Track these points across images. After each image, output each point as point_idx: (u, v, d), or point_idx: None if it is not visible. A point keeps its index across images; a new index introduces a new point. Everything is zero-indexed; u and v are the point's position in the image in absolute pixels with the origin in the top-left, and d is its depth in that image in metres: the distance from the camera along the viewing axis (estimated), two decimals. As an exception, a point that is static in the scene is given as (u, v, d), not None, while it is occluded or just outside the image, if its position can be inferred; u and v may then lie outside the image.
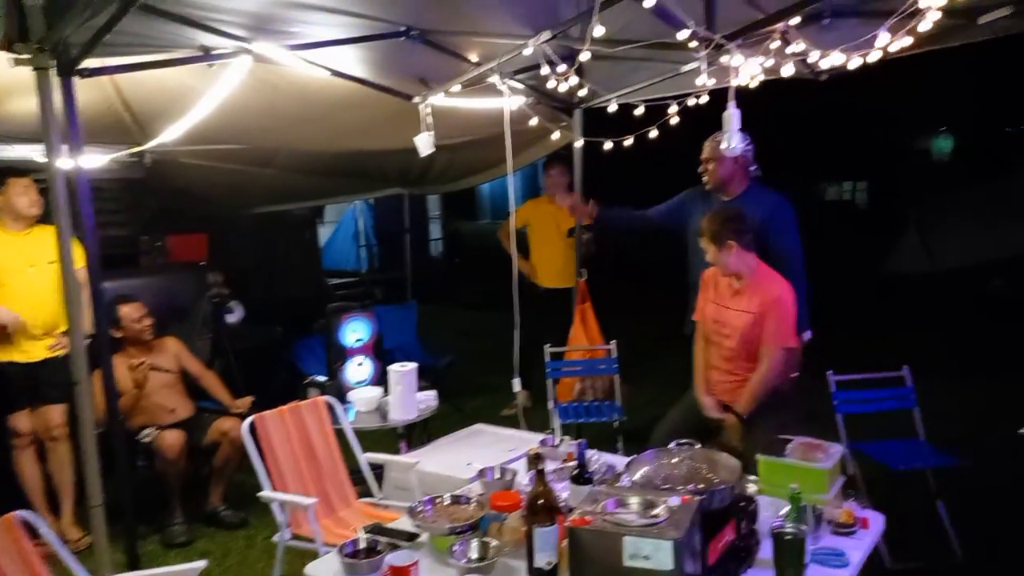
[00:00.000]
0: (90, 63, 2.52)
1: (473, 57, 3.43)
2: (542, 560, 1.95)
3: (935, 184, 13.32)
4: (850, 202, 21.72)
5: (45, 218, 3.61)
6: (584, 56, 2.37)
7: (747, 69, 2.49)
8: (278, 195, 5.90)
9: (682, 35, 2.30)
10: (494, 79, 3.43)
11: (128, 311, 3.77)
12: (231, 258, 5.80)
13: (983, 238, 8.77)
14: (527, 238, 5.24)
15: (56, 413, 3.58)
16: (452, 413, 4.79)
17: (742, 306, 3.01)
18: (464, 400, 5.47)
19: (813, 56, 2.68)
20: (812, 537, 2.02)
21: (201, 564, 2.23)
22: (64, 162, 2.34)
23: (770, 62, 2.70)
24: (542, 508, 1.96)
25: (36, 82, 2.31)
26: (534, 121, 3.81)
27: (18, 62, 2.34)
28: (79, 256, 2.60)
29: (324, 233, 11.15)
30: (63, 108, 2.39)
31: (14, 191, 3.46)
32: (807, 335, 3.28)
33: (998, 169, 11.27)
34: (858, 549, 2.05)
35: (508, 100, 3.56)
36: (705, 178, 3.40)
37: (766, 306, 2.93)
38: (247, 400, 3.96)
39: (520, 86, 3.86)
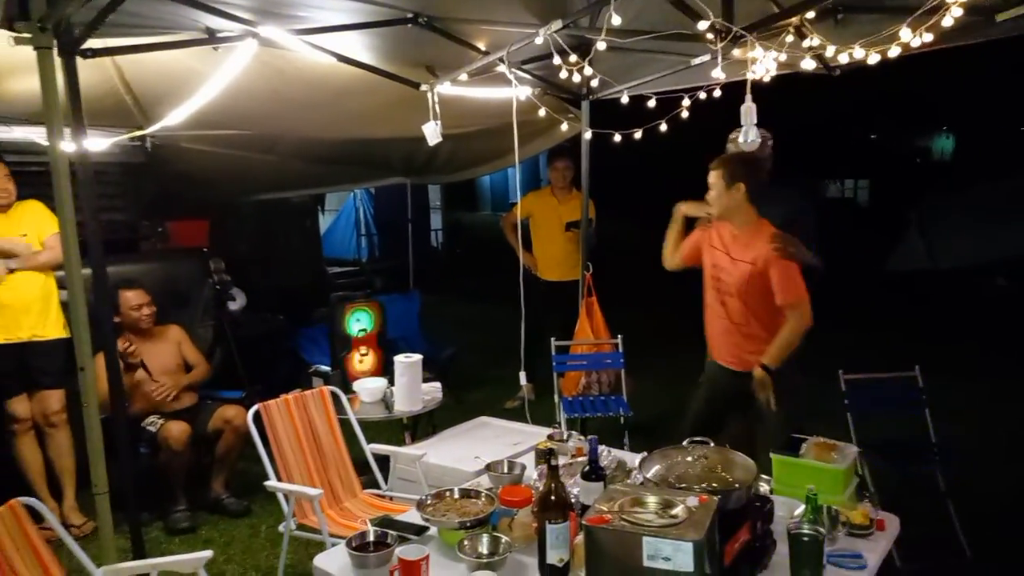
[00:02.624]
0: (93, 43, 2.46)
1: (481, 45, 3.38)
2: (554, 557, 1.92)
3: (938, 183, 13.31)
4: (851, 200, 21.70)
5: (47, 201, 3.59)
6: (601, 45, 2.32)
7: (763, 63, 2.44)
8: (280, 182, 5.85)
9: (702, 26, 2.24)
10: (502, 68, 3.38)
11: (129, 297, 3.73)
12: (232, 245, 5.75)
13: (987, 238, 8.76)
14: (528, 231, 5.21)
15: (54, 400, 3.55)
16: (454, 405, 4.75)
17: (739, 255, 2.95)
18: (466, 392, 5.44)
19: (830, 51, 2.63)
20: (828, 538, 1.99)
21: (207, 554, 2.20)
22: (67, 145, 2.29)
23: (783, 56, 2.66)
24: (554, 504, 1.93)
25: (38, 62, 2.25)
26: (542, 112, 3.76)
27: (18, 41, 2.29)
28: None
29: (324, 222, 11.09)
30: (65, 89, 2.33)
31: None
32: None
33: (1007, 168, 11.25)
34: (874, 551, 2.02)
35: (516, 90, 3.51)
36: None
37: (768, 259, 2.86)
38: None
39: (528, 76, 3.81)
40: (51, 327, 3.56)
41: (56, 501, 3.57)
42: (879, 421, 3.49)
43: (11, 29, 2.22)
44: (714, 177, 2.95)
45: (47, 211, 3.57)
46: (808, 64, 2.46)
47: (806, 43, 2.62)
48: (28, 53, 2.27)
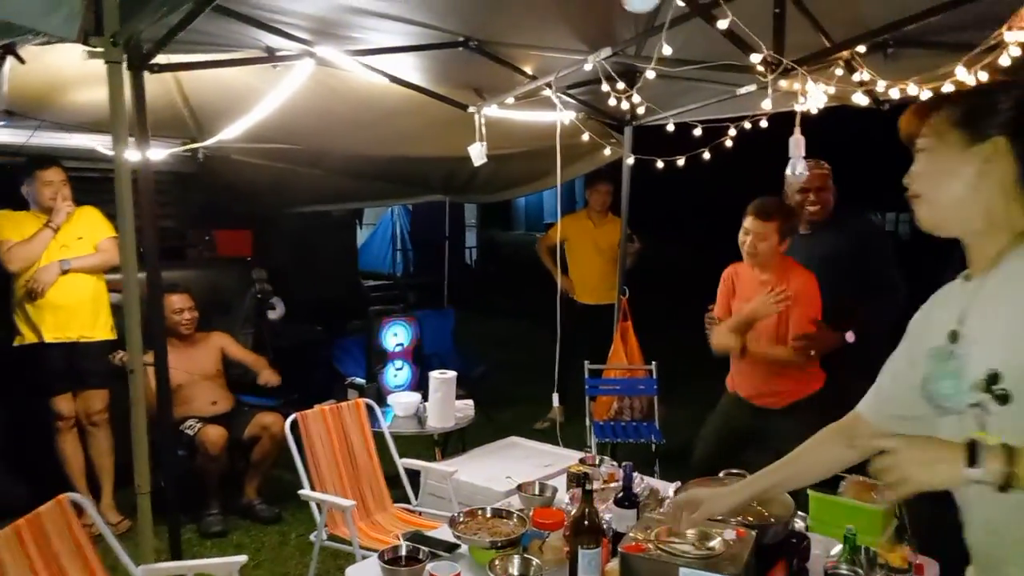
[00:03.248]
0: (160, 59, 2.57)
1: (528, 69, 3.43)
2: (585, 582, 1.92)
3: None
4: (893, 232, 21.32)
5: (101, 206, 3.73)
6: (650, 75, 2.35)
7: (813, 95, 2.45)
8: (322, 196, 5.96)
9: (754, 58, 2.26)
10: (548, 93, 3.43)
11: (173, 301, 3.81)
12: (273, 255, 5.87)
13: None
14: (564, 254, 5.24)
15: (98, 399, 3.66)
16: (484, 423, 4.77)
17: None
18: (496, 410, 5.45)
19: (880, 85, 2.63)
20: (865, 579, 1.95)
21: (242, 559, 2.24)
22: (131, 154, 2.39)
23: (831, 89, 2.66)
24: (587, 529, 1.93)
25: (108, 75, 2.36)
26: (585, 136, 3.80)
27: (91, 55, 2.39)
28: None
29: (361, 236, 11.25)
30: (132, 102, 2.43)
31: (37, 183, 3.57)
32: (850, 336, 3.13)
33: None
34: (912, 595, 1.97)
35: (560, 114, 3.56)
36: (813, 209, 3.23)
37: (796, 295, 2.85)
38: (275, 379, 3.99)
39: (572, 101, 3.85)
40: (100, 329, 3.68)
41: (94, 498, 3.66)
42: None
43: (86, 43, 2.32)
44: (767, 229, 2.86)
45: (101, 216, 3.71)
46: (860, 99, 2.46)
47: (856, 77, 2.62)
48: (96, 66, 2.38)
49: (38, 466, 3.80)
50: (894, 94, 2.51)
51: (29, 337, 3.56)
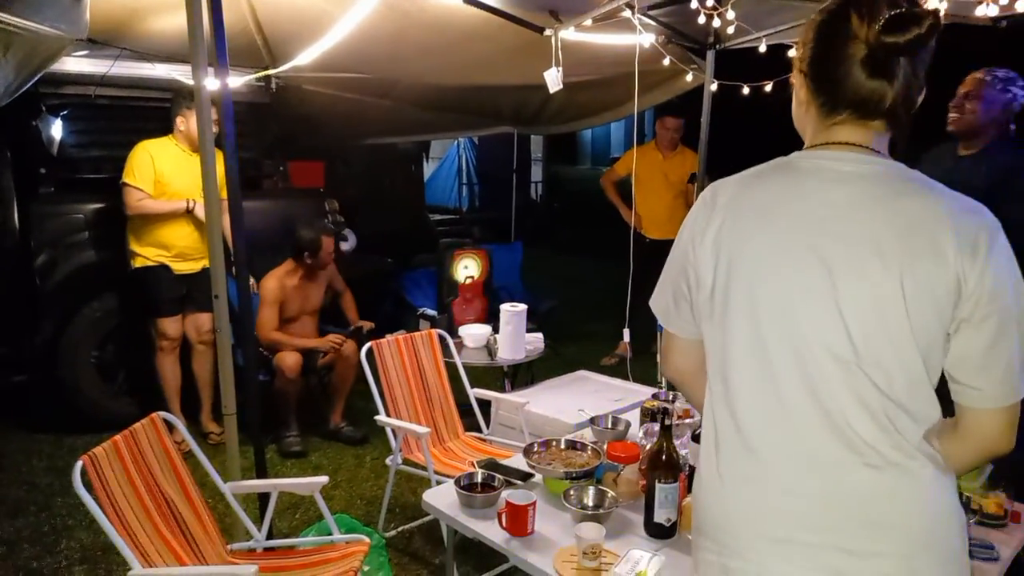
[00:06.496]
0: (236, -18, 2.53)
1: (608, -11, 3.24)
2: (662, 516, 1.91)
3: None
4: None
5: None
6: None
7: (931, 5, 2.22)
8: (392, 127, 5.93)
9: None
10: (627, 13, 3.25)
11: (327, 243, 3.90)
12: (344, 187, 5.91)
13: None
14: (633, 187, 5.10)
15: (206, 319, 3.82)
16: (551, 357, 4.77)
17: None
18: (563, 345, 5.45)
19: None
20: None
21: (323, 479, 2.33)
22: (211, 82, 2.38)
23: (945, 3, 2.42)
24: (664, 464, 1.91)
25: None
26: (666, 61, 3.61)
27: (169, -22, 2.38)
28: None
29: (428, 169, 11.24)
30: (210, 27, 2.41)
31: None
32: None
33: None
34: (1008, 544, 1.89)
35: (640, 37, 3.37)
36: (954, 115, 2.88)
37: None
38: (368, 323, 4.11)
39: (653, 23, 3.65)
40: None
41: (186, 415, 3.84)
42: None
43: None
44: None
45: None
46: (986, 10, 2.21)
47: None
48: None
49: (136, 385, 4.03)
50: (1021, 7, 2.25)
51: (148, 260, 3.69)
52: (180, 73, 3.87)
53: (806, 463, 1.11)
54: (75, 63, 3.88)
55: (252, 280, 3.76)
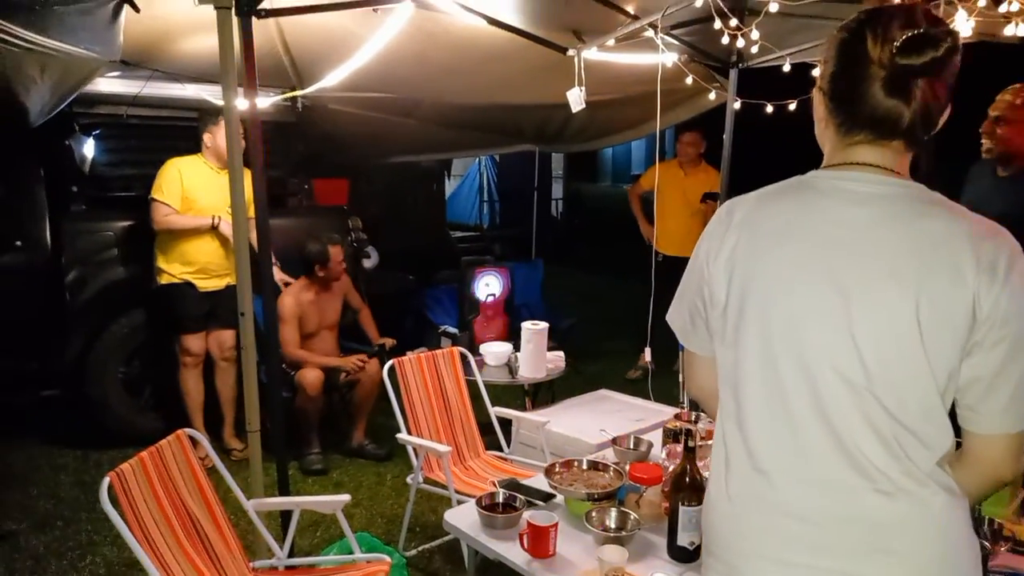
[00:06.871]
0: (267, 4, 2.58)
1: (630, 8, 3.26)
2: (685, 539, 1.88)
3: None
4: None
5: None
6: (773, 7, 2.17)
7: (959, 24, 2.21)
8: (415, 146, 5.99)
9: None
10: (649, 33, 3.26)
11: (336, 252, 3.93)
12: (367, 205, 5.97)
13: None
14: (654, 202, 5.17)
15: (229, 336, 3.86)
16: (572, 375, 4.75)
17: None
18: (584, 363, 5.43)
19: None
20: (989, 553, 1.83)
21: (345, 498, 2.33)
22: (240, 102, 2.43)
23: (972, 23, 2.40)
24: (688, 486, 1.89)
25: (217, 21, 2.39)
26: (689, 80, 3.61)
27: (201, 1, 2.43)
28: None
29: (449, 186, 11.32)
30: (240, 48, 2.46)
31: (223, 132, 3.64)
32: None
33: None
34: (1042, 573, 1.84)
35: (662, 56, 3.38)
36: (987, 142, 2.85)
37: None
38: (391, 340, 4.12)
39: (676, 42, 3.66)
40: None
41: (209, 430, 3.87)
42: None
43: (195, -11, 2.36)
44: None
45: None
46: (1015, 30, 2.20)
47: (1002, 8, 2.35)
48: (205, 13, 2.41)
49: (161, 401, 4.08)
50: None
51: (173, 278, 3.74)
52: (210, 93, 3.95)
53: (815, 486, 1.09)
54: (108, 83, 3.97)
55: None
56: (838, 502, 1.08)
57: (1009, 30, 2.22)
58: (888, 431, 1.05)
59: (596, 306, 7.46)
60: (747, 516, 1.16)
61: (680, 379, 4.16)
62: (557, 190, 13.80)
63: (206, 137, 3.72)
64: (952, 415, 1.09)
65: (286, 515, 2.44)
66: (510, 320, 4.16)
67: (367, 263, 4.89)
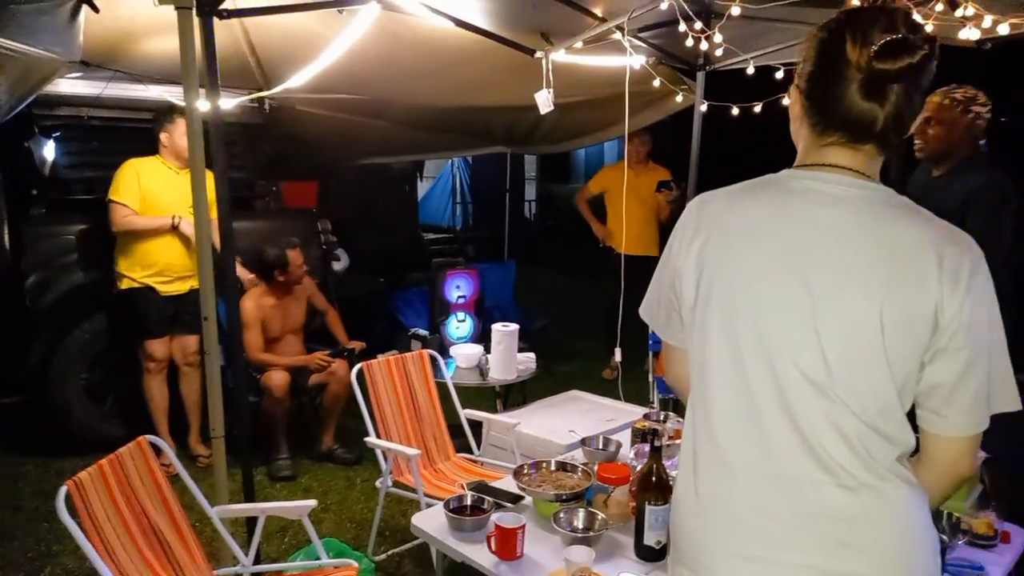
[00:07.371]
0: (229, 4, 2.55)
1: (598, 11, 3.28)
2: (652, 538, 1.90)
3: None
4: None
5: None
6: (735, 10, 2.20)
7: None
8: (385, 148, 5.95)
9: (854, -7, 2.09)
10: (617, 35, 3.29)
11: (294, 256, 3.89)
12: (337, 207, 5.93)
13: None
14: (604, 203, 5.38)
15: (192, 341, 3.80)
16: (544, 376, 4.77)
17: None
18: (556, 364, 5.45)
19: (987, 21, 2.40)
20: (948, 547, 1.87)
21: (312, 503, 2.31)
22: (202, 104, 2.39)
23: (930, 27, 2.45)
24: (654, 485, 1.90)
25: (178, 21, 2.35)
26: (656, 82, 3.64)
27: (162, 1, 2.39)
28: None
29: (422, 188, 11.28)
30: (202, 49, 2.43)
31: (179, 130, 3.60)
32: None
33: None
34: (999, 564, 1.89)
35: (630, 59, 3.41)
36: (918, 143, 2.87)
37: None
38: (360, 343, 4.09)
39: (643, 45, 3.69)
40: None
41: (175, 436, 3.81)
42: (1008, 424, 3.22)
43: (155, -11, 2.32)
44: None
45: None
46: (968, 34, 2.25)
47: (959, 12, 2.41)
48: (166, 14, 2.37)
49: (125, 406, 4.00)
50: (1003, 30, 2.29)
51: (134, 282, 3.67)
52: (172, 95, 3.88)
53: (780, 482, 1.11)
54: (68, 85, 3.89)
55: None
56: (801, 497, 1.09)
57: (963, 33, 2.28)
58: (850, 429, 1.07)
59: (569, 307, 7.48)
60: (713, 512, 1.17)
61: (650, 379, 4.21)
62: (530, 191, 13.82)
63: (163, 137, 3.66)
64: (911, 415, 1.12)
65: (252, 522, 2.40)
66: (481, 322, 4.16)
67: (337, 266, 4.85)
